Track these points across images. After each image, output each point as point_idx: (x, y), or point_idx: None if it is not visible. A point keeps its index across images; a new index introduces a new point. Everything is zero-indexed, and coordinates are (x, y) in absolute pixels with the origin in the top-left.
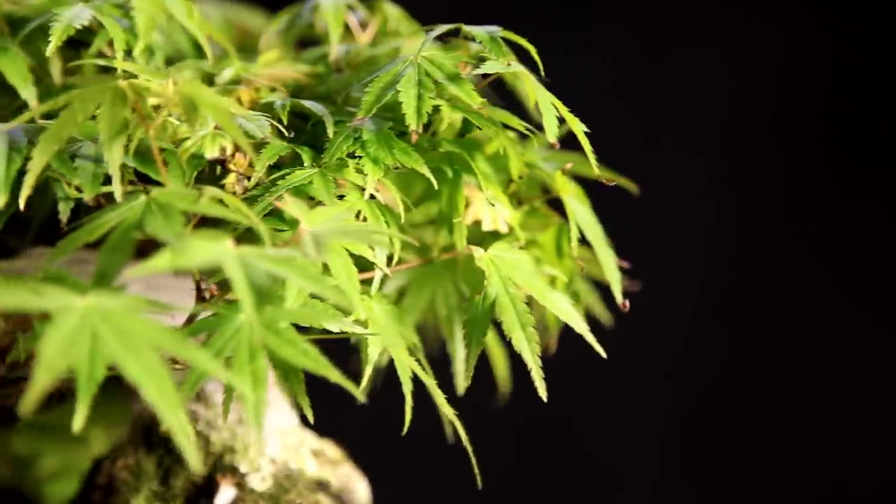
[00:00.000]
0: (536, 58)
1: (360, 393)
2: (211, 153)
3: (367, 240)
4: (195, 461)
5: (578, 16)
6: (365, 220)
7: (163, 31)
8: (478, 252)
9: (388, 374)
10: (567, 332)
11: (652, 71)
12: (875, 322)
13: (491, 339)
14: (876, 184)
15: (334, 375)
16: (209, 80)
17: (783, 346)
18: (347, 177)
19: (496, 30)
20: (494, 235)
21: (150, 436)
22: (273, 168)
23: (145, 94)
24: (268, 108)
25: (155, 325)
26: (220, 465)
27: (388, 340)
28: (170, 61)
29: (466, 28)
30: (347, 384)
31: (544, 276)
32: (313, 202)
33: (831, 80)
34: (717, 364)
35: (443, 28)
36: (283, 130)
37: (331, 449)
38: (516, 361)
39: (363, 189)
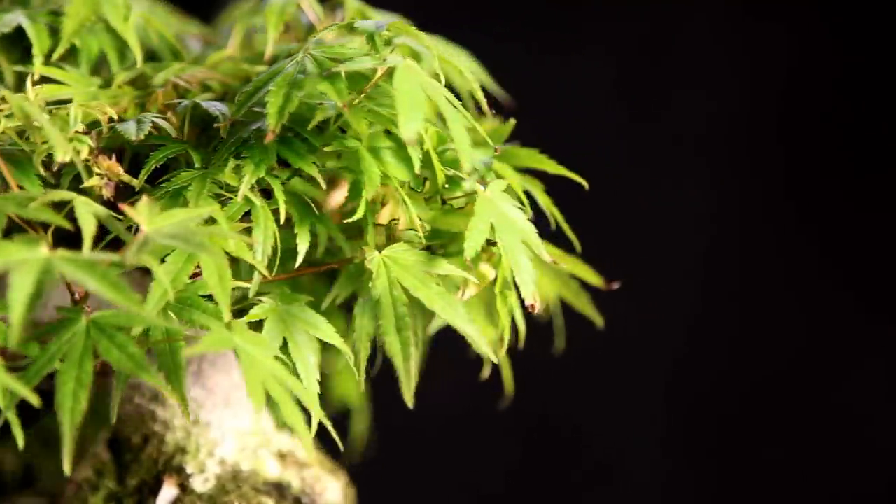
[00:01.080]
0: (430, 48)
1: (182, 401)
2: (62, 157)
3: (198, 245)
4: None
5: (579, 15)
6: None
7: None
8: (371, 253)
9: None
10: (567, 333)
11: (653, 70)
12: (877, 322)
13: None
14: (877, 184)
15: (154, 380)
16: (144, 81)
17: (784, 347)
18: (225, 178)
19: (382, 23)
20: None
21: (116, 437)
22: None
23: None
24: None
25: None
26: (169, 466)
27: (234, 341)
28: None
29: (357, 23)
30: (166, 389)
31: (440, 278)
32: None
33: (833, 79)
34: (718, 364)
35: (336, 24)
36: (173, 132)
37: (303, 450)
38: (517, 363)
39: (264, 190)
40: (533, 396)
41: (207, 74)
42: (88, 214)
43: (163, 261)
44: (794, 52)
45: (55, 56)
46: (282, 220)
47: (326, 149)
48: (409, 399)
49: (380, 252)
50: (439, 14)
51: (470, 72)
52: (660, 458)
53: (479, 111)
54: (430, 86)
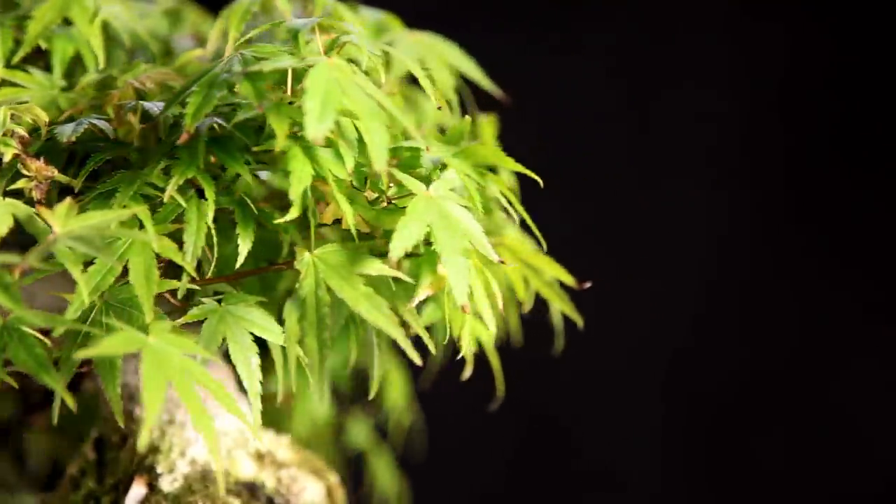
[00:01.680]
0: (362, 43)
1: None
2: None
3: (100, 249)
4: None
5: (579, 15)
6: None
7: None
8: (302, 254)
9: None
10: (567, 334)
11: (652, 70)
12: (874, 322)
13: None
14: (876, 184)
15: (53, 382)
16: (111, 83)
17: (782, 346)
18: (153, 180)
19: (309, 21)
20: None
21: (101, 436)
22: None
23: None
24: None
25: None
26: (142, 465)
27: (146, 342)
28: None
29: (287, 21)
30: (66, 395)
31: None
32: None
33: (832, 79)
34: (716, 363)
35: (271, 23)
36: (111, 134)
37: (284, 451)
38: (514, 363)
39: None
40: (531, 396)
41: (168, 76)
42: (5, 215)
43: (91, 263)
44: (792, 51)
45: (16, 58)
46: (209, 222)
47: (255, 149)
48: (325, 402)
49: (311, 252)
50: (439, 13)
51: (422, 69)
52: (658, 456)
53: (478, 108)
54: (351, 84)
